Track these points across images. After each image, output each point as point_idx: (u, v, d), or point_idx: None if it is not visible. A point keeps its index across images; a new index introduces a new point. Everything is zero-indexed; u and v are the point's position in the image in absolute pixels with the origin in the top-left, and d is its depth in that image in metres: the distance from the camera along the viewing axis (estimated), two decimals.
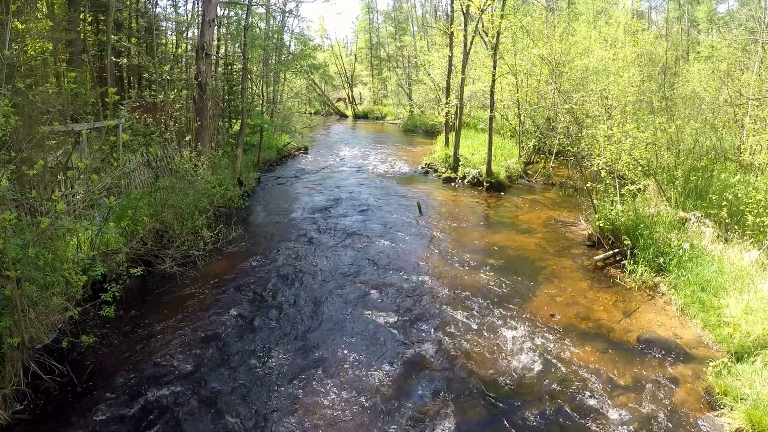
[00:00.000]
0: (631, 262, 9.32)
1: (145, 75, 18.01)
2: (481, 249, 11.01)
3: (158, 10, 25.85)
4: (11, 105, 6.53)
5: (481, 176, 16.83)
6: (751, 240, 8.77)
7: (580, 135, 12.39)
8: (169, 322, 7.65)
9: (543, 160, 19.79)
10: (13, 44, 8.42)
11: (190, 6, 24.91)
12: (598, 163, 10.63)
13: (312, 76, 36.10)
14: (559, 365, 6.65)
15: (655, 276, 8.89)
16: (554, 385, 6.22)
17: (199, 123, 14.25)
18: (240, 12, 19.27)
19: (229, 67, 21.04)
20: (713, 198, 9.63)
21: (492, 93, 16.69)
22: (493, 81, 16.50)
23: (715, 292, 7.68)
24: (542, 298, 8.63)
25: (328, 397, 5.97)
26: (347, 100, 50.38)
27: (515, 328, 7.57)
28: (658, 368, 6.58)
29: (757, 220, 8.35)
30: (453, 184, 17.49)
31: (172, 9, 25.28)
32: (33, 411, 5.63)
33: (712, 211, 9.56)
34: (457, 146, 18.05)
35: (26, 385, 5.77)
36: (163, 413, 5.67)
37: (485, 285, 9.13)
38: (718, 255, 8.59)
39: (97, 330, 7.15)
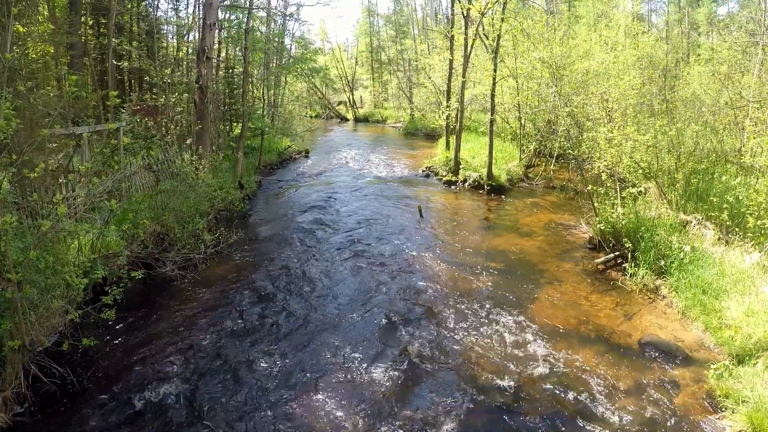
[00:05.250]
0: (632, 264, 9.31)
1: (146, 78, 18.06)
2: (482, 252, 11.00)
3: (159, 13, 25.98)
4: (12, 108, 6.56)
5: (482, 179, 16.83)
6: (752, 242, 8.75)
7: (580, 138, 12.39)
8: (169, 325, 7.65)
9: (544, 163, 19.80)
10: (14, 47, 8.44)
11: (191, 9, 24.98)
12: (599, 166, 10.62)
13: (313, 80, 36.14)
14: (560, 368, 6.63)
15: (656, 279, 8.88)
16: (555, 388, 6.21)
17: (200, 126, 14.28)
18: (241, 15, 19.28)
19: (230, 71, 21.10)
20: (714, 200, 9.62)
21: (493, 96, 16.70)
22: (494, 84, 16.51)
23: (716, 294, 7.66)
24: (543, 301, 8.62)
25: (328, 401, 5.96)
26: (348, 103, 50.47)
27: (516, 331, 7.56)
28: (659, 371, 6.56)
29: (758, 222, 8.33)
30: (454, 187, 17.49)
31: (173, 12, 25.35)
32: (33, 413, 5.63)
33: (713, 214, 9.54)
34: (457, 149, 18.06)
35: (27, 387, 5.77)
36: (162, 416, 5.66)
37: (486, 288, 9.12)
38: (719, 257, 8.58)
39: (98, 333, 7.14)
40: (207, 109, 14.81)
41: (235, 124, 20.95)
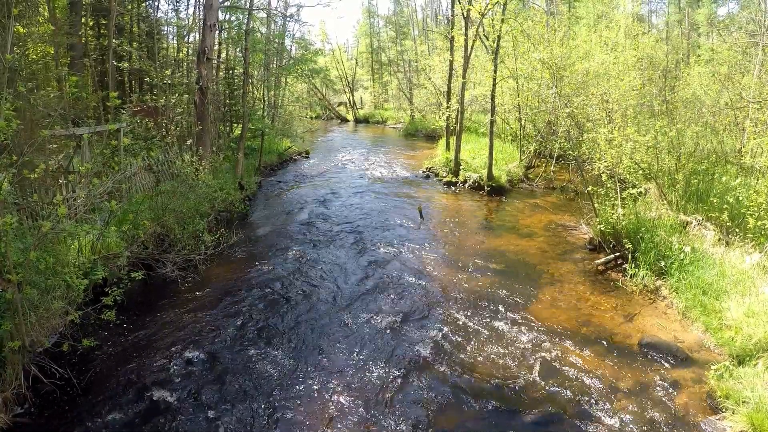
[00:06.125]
0: (633, 265, 9.30)
1: (147, 79, 18.06)
2: (483, 253, 11.00)
3: (159, 14, 25.96)
4: (13, 109, 6.55)
5: (482, 180, 16.83)
6: (753, 243, 8.75)
7: (581, 139, 12.39)
8: (169, 326, 7.65)
9: (544, 164, 19.79)
10: (14, 48, 8.44)
11: (191, 10, 24.91)
12: (599, 167, 10.62)
13: (313, 81, 36.18)
14: (560, 369, 6.63)
15: (657, 279, 8.88)
16: (555, 390, 6.21)
17: (200, 127, 14.28)
18: (241, 16, 19.28)
19: (231, 72, 21.09)
20: (714, 201, 9.62)
21: (493, 97, 16.70)
22: (494, 85, 16.51)
23: (716, 295, 7.66)
24: (543, 302, 8.61)
25: (328, 401, 5.96)
26: (348, 104, 50.48)
27: (516, 332, 7.56)
28: (660, 372, 6.56)
29: (758, 223, 8.32)
30: (454, 188, 17.49)
31: (174, 13, 25.31)
32: (34, 414, 5.63)
33: (713, 215, 9.54)
34: (458, 150, 18.06)
35: (27, 388, 5.77)
36: (163, 417, 5.66)
37: (486, 289, 9.12)
38: (719, 258, 8.58)
39: (98, 334, 7.12)
40: (207, 110, 14.82)
41: (235, 125, 20.95)
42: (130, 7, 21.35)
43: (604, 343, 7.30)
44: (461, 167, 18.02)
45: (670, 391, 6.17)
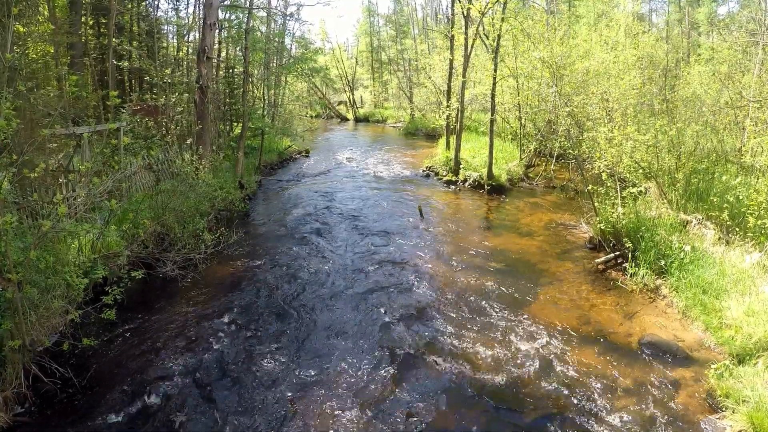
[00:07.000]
0: (633, 264, 9.30)
1: (147, 78, 18.05)
2: (483, 252, 11.00)
3: (159, 13, 25.97)
4: (13, 108, 6.55)
5: (482, 179, 16.83)
6: (753, 242, 8.75)
7: (581, 138, 12.39)
8: (169, 325, 7.65)
9: (544, 163, 19.79)
10: (14, 47, 8.43)
11: (191, 9, 25.00)
12: (599, 166, 10.62)
13: (313, 80, 36.12)
14: (560, 368, 6.63)
15: (657, 278, 8.87)
16: (555, 389, 6.21)
17: (200, 126, 14.27)
18: (241, 15, 19.25)
19: (231, 71, 21.09)
20: (714, 200, 9.62)
21: (493, 96, 16.70)
22: (494, 84, 16.51)
23: (716, 294, 7.67)
24: (543, 301, 8.61)
25: (327, 401, 5.96)
26: (348, 103, 50.46)
27: (516, 331, 7.56)
28: (660, 371, 6.56)
29: (759, 222, 8.33)
30: (454, 187, 17.49)
31: (174, 12, 25.32)
32: (34, 414, 5.63)
33: (713, 214, 9.54)
34: (458, 149, 18.05)
35: (27, 387, 5.78)
36: (163, 417, 5.66)
37: (486, 288, 9.12)
38: (719, 257, 8.58)
39: (99, 333, 7.14)
40: (207, 109, 14.80)
41: (235, 124, 20.95)
42: (129, 6, 21.35)
43: (605, 341, 7.30)
44: (461, 166, 18.02)
45: (670, 390, 6.17)
